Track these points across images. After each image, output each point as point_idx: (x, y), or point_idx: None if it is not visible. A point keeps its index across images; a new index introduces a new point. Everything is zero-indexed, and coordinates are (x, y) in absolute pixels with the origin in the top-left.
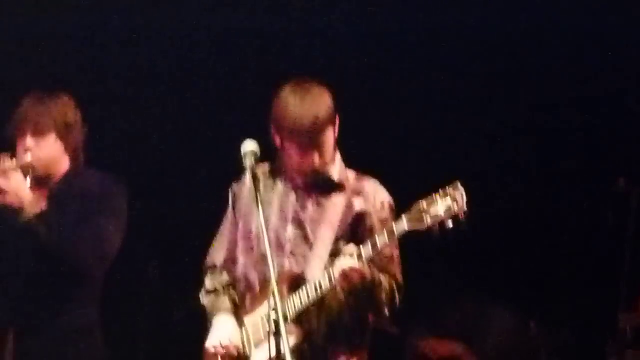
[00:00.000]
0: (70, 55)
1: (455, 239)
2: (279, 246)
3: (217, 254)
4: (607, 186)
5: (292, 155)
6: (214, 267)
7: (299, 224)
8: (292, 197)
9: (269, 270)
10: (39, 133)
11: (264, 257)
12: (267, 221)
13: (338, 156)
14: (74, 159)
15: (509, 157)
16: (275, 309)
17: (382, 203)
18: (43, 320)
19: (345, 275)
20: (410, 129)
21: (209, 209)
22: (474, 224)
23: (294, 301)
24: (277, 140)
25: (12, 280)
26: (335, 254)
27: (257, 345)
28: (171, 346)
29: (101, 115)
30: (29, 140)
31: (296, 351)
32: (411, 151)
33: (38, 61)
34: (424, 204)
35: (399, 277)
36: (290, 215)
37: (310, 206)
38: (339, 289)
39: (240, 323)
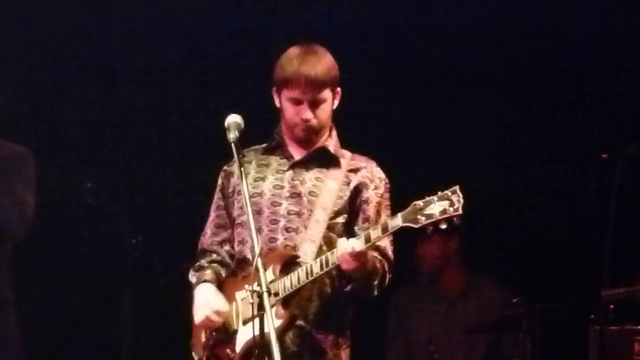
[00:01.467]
0: None
1: None
2: (273, 221)
3: (204, 238)
4: (589, 159)
5: (289, 109)
6: (203, 251)
7: (295, 199)
8: (289, 172)
9: (256, 244)
10: None
11: (263, 225)
12: (261, 196)
13: (334, 133)
14: None
15: (495, 129)
16: (259, 284)
17: (380, 179)
18: None
19: (344, 260)
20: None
21: (194, 182)
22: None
23: (284, 283)
24: (277, 100)
25: None
26: (330, 228)
27: (245, 322)
28: (158, 316)
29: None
30: None
31: (282, 331)
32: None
33: None
34: (420, 204)
35: (391, 256)
36: (285, 191)
37: (308, 180)
38: (333, 273)
39: (230, 298)
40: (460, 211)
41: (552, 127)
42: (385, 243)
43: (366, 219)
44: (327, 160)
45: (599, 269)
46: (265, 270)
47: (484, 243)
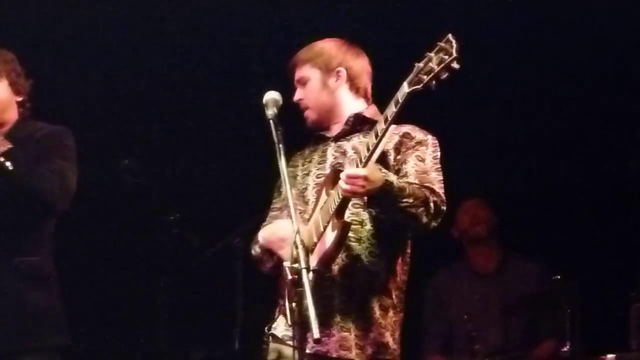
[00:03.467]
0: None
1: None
2: (318, 192)
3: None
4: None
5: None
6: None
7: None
8: (330, 150)
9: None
10: None
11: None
12: (307, 189)
13: (372, 105)
14: (23, 107)
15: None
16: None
17: (423, 138)
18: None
19: (347, 181)
20: None
21: (232, 159)
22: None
23: (334, 198)
24: None
25: None
26: None
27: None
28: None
29: None
30: None
31: (338, 242)
32: None
33: None
34: (420, 64)
35: (438, 190)
36: (328, 163)
37: (349, 150)
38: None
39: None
40: (455, 54)
41: (592, 106)
42: (430, 179)
43: (404, 174)
44: (367, 128)
45: (639, 245)
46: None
47: (522, 220)
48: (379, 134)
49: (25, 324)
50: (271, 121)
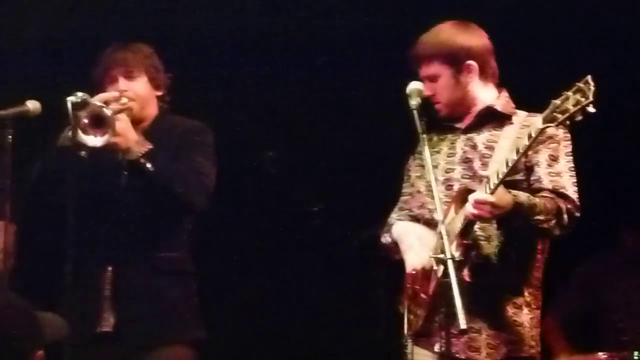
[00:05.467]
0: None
1: None
2: (448, 187)
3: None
4: None
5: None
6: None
7: (467, 164)
8: (461, 139)
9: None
10: (130, 76)
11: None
12: (436, 167)
13: (504, 94)
14: (162, 102)
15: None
16: (444, 251)
17: (555, 133)
18: (140, 260)
19: (474, 206)
20: None
21: (375, 151)
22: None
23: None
24: None
25: (113, 218)
26: (508, 186)
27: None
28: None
29: None
30: (122, 83)
31: (462, 263)
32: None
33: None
34: (556, 101)
35: (571, 195)
36: (457, 157)
37: (479, 144)
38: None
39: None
40: (591, 98)
41: None
42: (563, 183)
43: (537, 179)
44: (498, 120)
45: None
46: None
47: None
48: (509, 164)
49: (164, 318)
50: (415, 111)
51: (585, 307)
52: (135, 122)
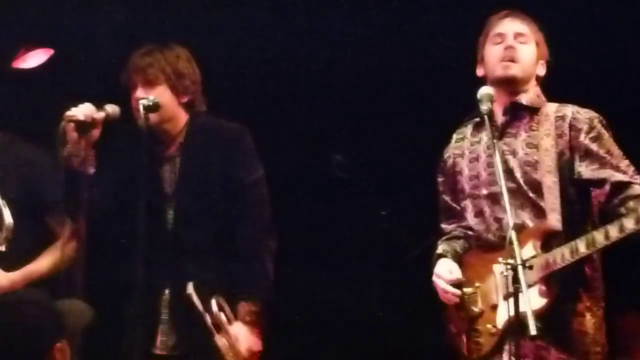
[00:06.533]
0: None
1: None
2: (494, 201)
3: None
4: None
5: (490, 59)
6: (441, 231)
7: (510, 174)
8: (499, 147)
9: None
10: (148, 84)
11: (485, 205)
12: (478, 178)
13: (534, 89)
14: (191, 107)
15: None
16: (514, 257)
17: (589, 119)
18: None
19: None
20: None
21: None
22: None
23: (547, 259)
24: (480, 69)
25: (166, 241)
26: (564, 187)
27: (505, 296)
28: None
29: None
30: (139, 92)
31: (542, 314)
32: None
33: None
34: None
35: (625, 176)
36: (498, 166)
37: (520, 150)
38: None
39: (480, 271)
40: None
41: None
42: (612, 172)
43: (594, 167)
44: (530, 117)
45: None
46: (522, 246)
47: None
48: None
49: None
50: (486, 116)
51: None
52: (162, 130)
